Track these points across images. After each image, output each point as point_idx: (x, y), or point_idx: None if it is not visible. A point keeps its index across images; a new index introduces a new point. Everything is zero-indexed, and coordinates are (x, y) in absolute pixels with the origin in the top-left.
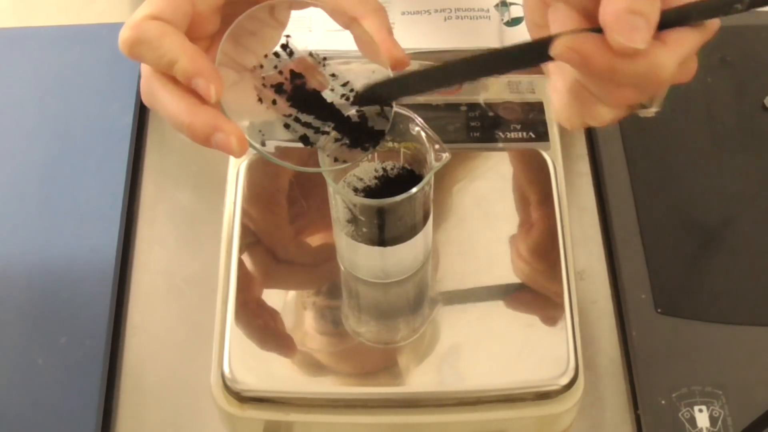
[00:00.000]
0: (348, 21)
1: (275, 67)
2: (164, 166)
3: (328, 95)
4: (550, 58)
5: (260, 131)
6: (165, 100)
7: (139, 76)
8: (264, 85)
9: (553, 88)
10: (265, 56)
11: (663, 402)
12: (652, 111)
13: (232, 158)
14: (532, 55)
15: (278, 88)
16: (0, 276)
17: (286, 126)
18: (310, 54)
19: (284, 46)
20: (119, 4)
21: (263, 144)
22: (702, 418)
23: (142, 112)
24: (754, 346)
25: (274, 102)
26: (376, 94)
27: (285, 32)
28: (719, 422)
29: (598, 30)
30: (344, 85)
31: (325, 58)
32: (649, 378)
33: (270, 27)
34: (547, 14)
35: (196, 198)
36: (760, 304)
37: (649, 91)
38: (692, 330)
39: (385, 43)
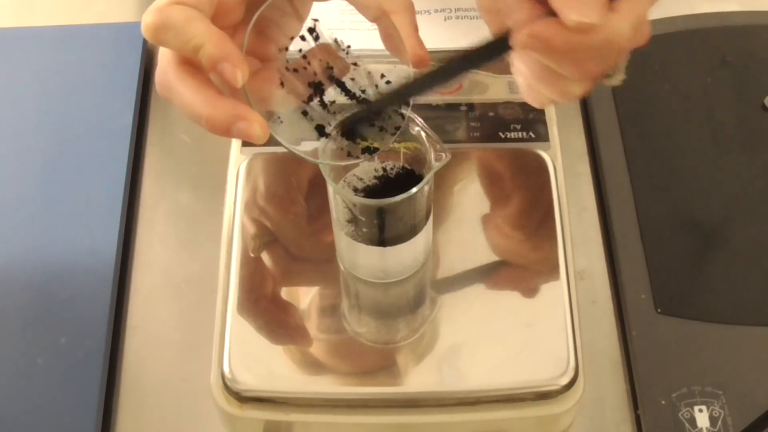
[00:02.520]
0: (377, 14)
1: (299, 50)
2: (164, 166)
3: (347, 84)
4: (510, 50)
5: (278, 118)
6: (182, 92)
7: (140, 78)
8: (287, 69)
9: (517, 72)
10: (291, 38)
11: (663, 402)
12: (618, 79)
13: (232, 158)
14: (494, 52)
15: (301, 73)
16: (0, 276)
17: (304, 113)
18: (335, 40)
19: (311, 30)
20: (119, 4)
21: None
22: (702, 418)
23: (142, 112)
24: (754, 346)
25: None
26: (355, 119)
27: (312, 16)
28: (719, 422)
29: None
30: (367, 75)
31: (349, 46)
32: (649, 378)
33: (292, 17)
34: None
35: (196, 198)
36: (760, 304)
37: (610, 60)
38: (692, 330)
39: (410, 40)
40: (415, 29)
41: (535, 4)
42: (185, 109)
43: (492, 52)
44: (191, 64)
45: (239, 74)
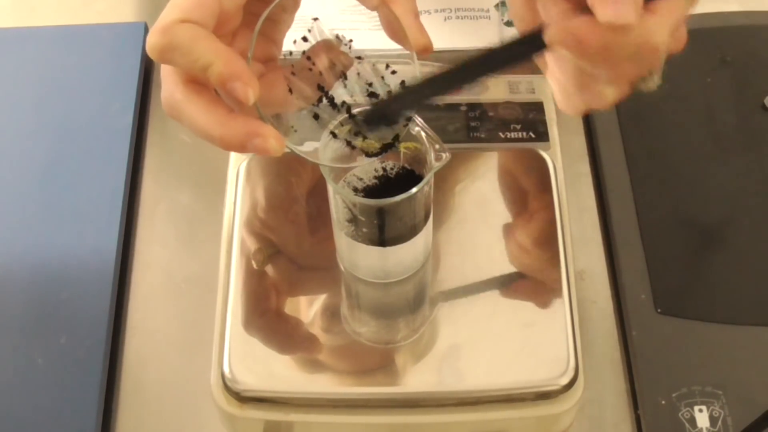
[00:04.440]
0: (377, 3)
1: (303, 52)
2: (164, 166)
3: (353, 80)
4: (544, 48)
5: (293, 127)
6: (191, 113)
7: (140, 77)
8: (293, 73)
9: (553, 79)
10: (294, 42)
11: (663, 402)
12: (654, 84)
13: (232, 158)
14: (526, 49)
15: (306, 74)
16: (0, 276)
17: (315, 117)
18: (336, 36)
19: (311, 30)
20: (119, 4)
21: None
22: (702, 418)
23: (142, 112)
24: (754, 346)
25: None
26: (380, 114)
27: (312, 16)
28: (719, 422)
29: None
30: (372, 66)
31: (351, 41)
32: (649, 378)
33: (286, 12)
34: (534, 6)
35: (196, 198)
36: (760, 304)
37: (646, 62)
38: (692, 330)
39: (412, 27)
40: (416, 16)
41: (571, 3)
42: (197, 130)
43: (524, 51)
44: (197, 83)
45: (251, 92)
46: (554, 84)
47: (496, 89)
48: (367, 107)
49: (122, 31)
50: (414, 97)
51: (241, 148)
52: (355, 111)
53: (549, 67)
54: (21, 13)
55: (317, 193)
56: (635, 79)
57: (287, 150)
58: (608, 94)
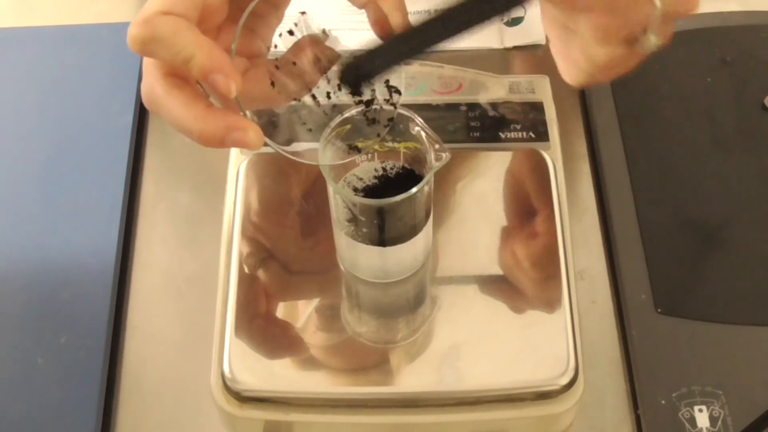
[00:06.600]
0: (365, 0)
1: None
2: (164, 166)
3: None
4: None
5: (271, 122)
6: (170, 107)
7: (139, 77)
8: (277, 67)
9: (556, 52)
10: (279, 35)
11: (663, 402)
12: (651, 43)
13: (232, 158)
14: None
15: (290, 68)
16: (0, 276)
17: (299, 113)
18: (323, 31)
19: (298, 24)
20: (119, 4)
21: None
22: (702, 418)
23: (142, 112)
24: (754, 346)
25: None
26: (362, 70)
27: (300, 9)
28: (719, 422)
29: None
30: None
31: (336, 37)
32: (649, 378)
33: (275, 8)
34: None
35: (196, 198)
36: (760, 304)
37: (630, 15)
38: (692, 330)
39: (400, 25)
40: (405, 14)
41: None
42: (175, 124)
43: (503, 2)
44: (178, 76)
45: (233, 85)
46: (555, 55)
47: (496, 89)
48: (347, 62)
49: (122, 31)
50: (394, 51)
51: (219, 143)
52: (347, 113)
53: (551, 43)
54: (21, 13)
55: (317, 193)
56: (628, 38)
57: (271, 149)
58: (599, 54)
